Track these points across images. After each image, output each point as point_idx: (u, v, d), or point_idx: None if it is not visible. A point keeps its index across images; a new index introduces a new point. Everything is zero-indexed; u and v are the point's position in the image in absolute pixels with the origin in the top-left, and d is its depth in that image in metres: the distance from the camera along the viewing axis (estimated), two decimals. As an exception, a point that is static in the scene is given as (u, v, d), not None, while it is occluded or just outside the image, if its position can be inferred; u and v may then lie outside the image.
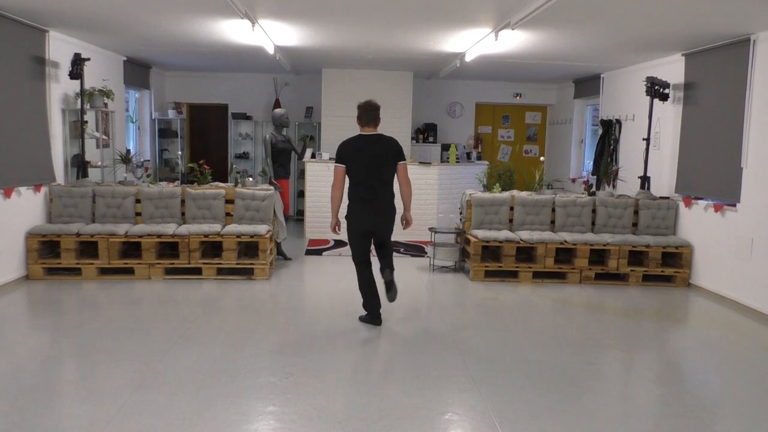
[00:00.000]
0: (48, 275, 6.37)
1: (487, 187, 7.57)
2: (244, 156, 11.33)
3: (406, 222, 5.08)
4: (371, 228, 4.97)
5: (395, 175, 5.00)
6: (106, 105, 7.71)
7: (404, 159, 5.00)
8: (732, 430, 3.45)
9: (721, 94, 6.36)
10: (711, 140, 6.53)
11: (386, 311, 5.26)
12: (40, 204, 6.58)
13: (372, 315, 5.10)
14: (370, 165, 4.87)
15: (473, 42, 7.03)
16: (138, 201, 6.75)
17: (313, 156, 9.15)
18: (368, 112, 4.91)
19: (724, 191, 6.26)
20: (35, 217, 6.47)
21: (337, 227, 5.04)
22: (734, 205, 6.13)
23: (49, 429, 3.19)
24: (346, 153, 4.91)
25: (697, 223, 6.75)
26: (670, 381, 4.20)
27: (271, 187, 7.15)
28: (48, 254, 6.50)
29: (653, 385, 4.11)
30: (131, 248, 6.65)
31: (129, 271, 6.47)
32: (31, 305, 5.65)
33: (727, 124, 6.24)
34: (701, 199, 6.68)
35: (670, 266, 6.85)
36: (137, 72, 9.53)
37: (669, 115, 7.39)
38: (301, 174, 10.34)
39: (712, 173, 6.50)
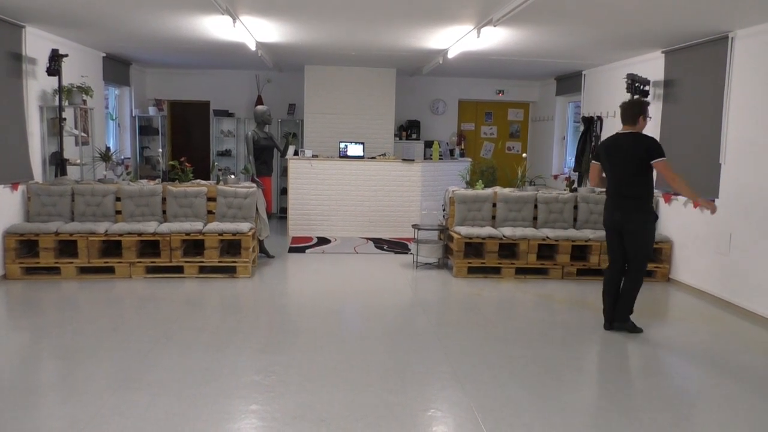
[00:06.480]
0: (26, 275, 6.27)
1: (470, 184, 7.60)
2: (226, 153, 11.25)
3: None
4: (612, 224, 4.99)
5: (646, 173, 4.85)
6: (84, 102, 7.61)
7: (657, 157, 4.78)
8: (710, 423, 3.50)
9: (700, 91, 6.44)
10: (690, 137, 6.61)
11: (369, 308, 5.26)
12: (18, 202, 6.47)
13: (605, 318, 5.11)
14: (616, 161, 4.94)
15: (456, 39, 7.04)
16: (118, 199, 6.68)
17: (296, 153, 9.11)
18: (624, 111, 5.02)
19: (703, 187, 6.33)
20: (13, 216, 6.37)
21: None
22: (713, 201, 6.20)
23: (29, 430, 3.14)
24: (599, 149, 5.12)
25: (676, 219, 6.84)
26: (650, 375, 4.25)
27: (254, 185, 7.11)
28: (26, 253, 6.40)
29: (634, 378, 4.16)
30: (111, 247, 6.57)
31: (109, 270, 6.40)
32: (10, 305, 5.57)
33: (706, 121, 6.32)
34: (680, 194, 6.75)
35: (650, 261, 6.91)
36: (117, 68, 9.41)
37: (649, 111, 7.44)
38: (284, 171, 10.29)
39: (691, 169, 6.57)
